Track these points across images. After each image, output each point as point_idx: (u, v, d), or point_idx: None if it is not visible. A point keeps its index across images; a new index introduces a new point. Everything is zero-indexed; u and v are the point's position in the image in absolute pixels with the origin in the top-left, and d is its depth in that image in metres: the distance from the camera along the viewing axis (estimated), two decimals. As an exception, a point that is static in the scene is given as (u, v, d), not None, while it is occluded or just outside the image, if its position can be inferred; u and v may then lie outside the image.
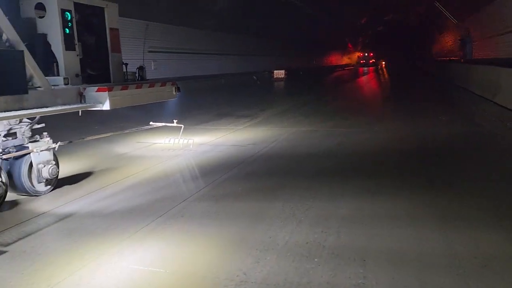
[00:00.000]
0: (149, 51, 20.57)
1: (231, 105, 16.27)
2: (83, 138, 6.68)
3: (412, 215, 4.36)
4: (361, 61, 75.56)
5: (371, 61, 75.83)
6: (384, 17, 56.95)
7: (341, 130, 9.86)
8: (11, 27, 4.52)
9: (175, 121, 8.16)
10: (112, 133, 7.81)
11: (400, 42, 66.18)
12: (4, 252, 3.83)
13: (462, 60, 28.64)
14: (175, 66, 23.47)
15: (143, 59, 16.51)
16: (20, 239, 4.12)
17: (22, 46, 4.62)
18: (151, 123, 8.21)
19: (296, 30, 41.56)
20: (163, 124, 8.22)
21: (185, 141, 8.09)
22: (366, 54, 77.16)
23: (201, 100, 17.90)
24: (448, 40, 40.52)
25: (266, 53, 39.25)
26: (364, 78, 38.80)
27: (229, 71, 31.40)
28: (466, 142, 8.26)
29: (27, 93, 4.66)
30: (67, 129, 9.57)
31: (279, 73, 37.34)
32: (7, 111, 4.47)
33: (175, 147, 8.09)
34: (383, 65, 71.76)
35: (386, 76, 42.47)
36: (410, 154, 7.26)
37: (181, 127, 8.10)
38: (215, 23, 27.63)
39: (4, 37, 4.51)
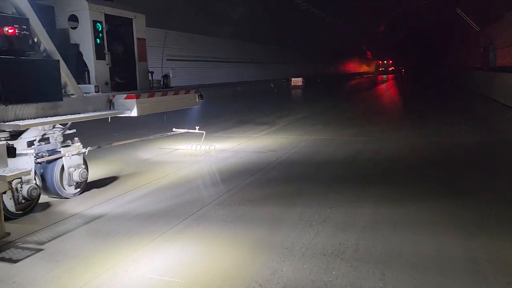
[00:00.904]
0: (168, 59, 20.99)
1: (249, 112, 16.44)
2: (111, 144, 6.93)
3: (434, 223, 4.38)
4: (380, 69, 75.02)
5: (390, 69, 75.22)
6: (404, 24, 56.50)
7: (360, 139, 9.88)
8: (48, 38, 4.81)
9: (197, 127, 8.36)
10: (137, 139, 8.07)
11: (420, 49, 65.37)
12: (41, 250, 4.04)
13: (485, 68, 28.13)
14: (193, 74, 23.82)
15: (162, 67, 16.92)
16: (54, 238, 4.34)
17: (57, 56, 4.89)
18: (174, 129, 8.44)
19: (314, 38, 41.67)
20: (186, 130, 8.44)
21: (207, 147, 8.27)
22: (385, 62, 76.57)
23: (219, 108, 18.13)
24: (470, 48, 39.87)
25: (283, 61, 39.43)
26: (383, 86, 38.50)
27: (247, 79, 31.66)
28: (489, 151, 8.15)
29: (61, 100, 4.92)
30: (85, 135, 9.90)
31: (297, 81, 37.44)
32: (44, 117, 4.72)
33: (197, 153, 8.28)
34: (403, 72, 71.03)
35: (405, 84, 42.01)
36: (430, 163, 7.24)
37: (203, 133, 8.29)
38: (232, 31, 28.01)
39: (42, 47, 4.79)
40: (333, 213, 4.78)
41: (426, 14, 47.06)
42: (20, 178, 4.57)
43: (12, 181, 4.40)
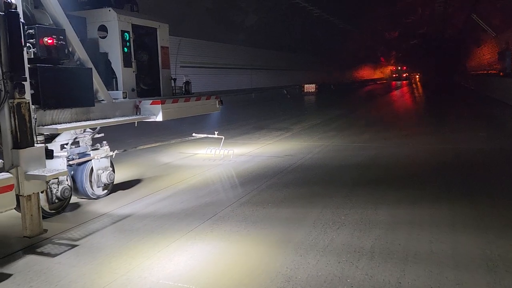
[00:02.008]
0: (181, 66, 21.32)
1: (264, 119, 16.66)
2: (135, 147, 7.23)
3: (452, 225, 4.49)
4: (394, 75, 74.53)
5: (404, 75, 74.65)
6: (418, 30, 56.22)
7: (375, 145, 9.97)
8: (82, 48, 5.12)
9: (216, 132, 8.62)
10: (160, 143, 8.37)
11: (435, 55, 64.81)
12: (76, 245, 4.30)
13: (501, 74, 27.84)
14: (206, 81, 24.11)
15: (175, 74, 17.23)
16: (86, 236, 4.60)
17: (90, 64, 5.20)
18: (193, 134, 8.71)
19: (327, 44, 41.82)
20: (205, 135, 8.70)
21: (226, 151, 8.50)
22: (399, 67, 76.07)
23: (234, 114, 18.39)
24: (486, 53, 39.44)
25: (296, 67, 39.62)
26: (397, 92, 38.31)
27: (260, 86, 31.89)
28: (507, 157, 8.14)
29: (93, 105, 5.22)
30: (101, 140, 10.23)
31: (310, 87, 37.56)
32: (77, 122, 5.02)
33: (216, 157, 8.52)
34: (417, 79, 70.42)
35: (420, 90, 41.72)
36: (446, 168, 7.29)
37: (222, 138, 8.54)
38: (246, 38, 28.34)
39: (76, 56, 5.10)
40: (352, 214, 4.94)
41: (441, 20, 46.80)
42: (57, 178, 4.86)
43: (49, 181, 4.68)
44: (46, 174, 4.16)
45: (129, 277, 3.58)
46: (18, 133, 4.17)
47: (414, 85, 52.12)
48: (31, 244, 4.32)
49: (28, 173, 4.20)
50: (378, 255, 3.81)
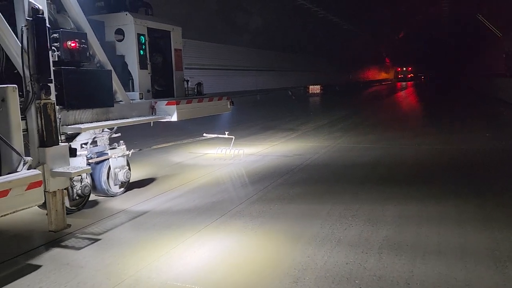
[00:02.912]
0: (186, 68, 21.49)
1: (270, 120, 16.85)
2: (151, 147, 7.45)
3: (458, 220, 4.65)
4: (399, 76, 74.45)
5: (409, 76, 74.54)
6: (423, 31, 56.21)
7: (381, 145, 10.10)
8: (102, 51, 5.34)
9: (226, 133, 8.82)
10: (173, 143, 8.59)
11: (440, 56, 64.74)
12: (98, 239, 4.51)
13: (507, 74, 27.82)
14: (211, 83, 24.18)
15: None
16: (107, 230, 4.81)
17: (109, 66, 5.42)
18: (204, 134, 8.92)
19: (332, 45, 41.96)
20: (216, 135, 8.90)
21: (236, 151, 8.70)
22: (404, 68, 75.97)
23: (241, 115, 18.56)
24: (492, 54, 39.39)
25: (301, 69, 39.75)
26: (402, 93, 38.37)
27: (264, 87, 32.01)
28: (509, 157, 8.23)
29: (113, 106, 5.44)
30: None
31: (315, 88, 37.67)
32: (97, 121, 5.24)
33: (226, 156, 8.72)
34: (422, 79, 70.31)
35: (425, 91, 41.74)
36: (452, 167, 7.40)
37: (232, 138, 8.74)
38: (251, 39, 28.51)
39: (96, 59, 5.33)
40: (361, 210, 5.12)
41: (446, 20, 46.79)
42: (80, 176, 5.08)
43: (72, 178, 4.90)
44: (71, 171, 4.38)
45: (152, 269, 3.78)
46: (44, 132, 4.39)
47: (419, 86, 52.09)
48: (57, 238, 4.53)
49: (54, 170, 4.41)
50: (386, 254, 3.98)
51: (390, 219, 4.78)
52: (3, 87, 3.90)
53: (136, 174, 7.46)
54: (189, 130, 12.07)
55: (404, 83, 62.57)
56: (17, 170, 3.99)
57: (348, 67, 53.45)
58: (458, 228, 4.42)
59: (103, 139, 5.94)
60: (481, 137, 10.53)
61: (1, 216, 3.68)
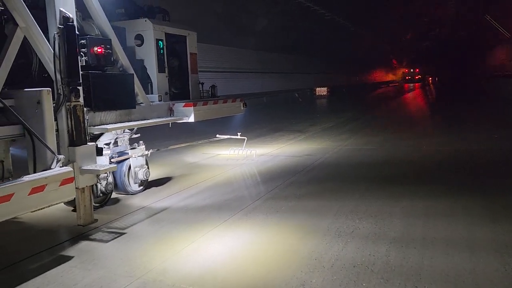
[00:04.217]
0: (191, 70, 21.70)
1: (278, 122, 17.09)
2: (167, 148, 7.75)
3: (465, 214, 4.86)
4: (406, 77, 74.29)
5: (416, 77, 74.33)
6: (431, 32, 56.10)
7: (390, 146, 10.25)
8: (124, 55, 5.65)
9: (239, 133, 9.09)
10: (188, 144, 8.86)
11: (448, 57, 64.50)
12: (124, 233, 4.79)
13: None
14: (218, 85, 24.40)
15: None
16: (131, 225, 5.09)
17: (132, 70, 5.72)
18: (217, 135, 9.20)
19: (339, 47, 42.10)
20: (228, 136, 9.18)
21: (248, 151, 8.96)
22: (412, 70, 75.79)
23: (248, 118, 18.76)
24: (501, 54, 39.26)
25: (307, 71, 39.94)
26: (409, 95, 38.40)
27: (271, 89, 32.18)
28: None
29: (135, 108, 5.74)
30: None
31: (321, 90, 37.88)
32: (120, 122, 5.54)
33: (238, 157, 8.98)
34: (430, 81, 70.08)
35: (433, 92, 41.71)
36: (460, 166, 7.58)
37: (245, 139, 9.00)
38: (256, 42, 28.72)
39: (119, 63, 5.63)
40: (373, 205, 5.36)
41: (454, 22, 46.70)
42: (106, 173, 5.37)
43: (99, 175, 5.19)
44: (99, 169, 4.67)
45: (178, 259, 4.05)
46: (74, 132, 4.69)
47: (427, 88, 51.99)
48: (85, 231, 4.83)
49: (83, 168, 4.70)
50: (401, 234, 4.21)
51: (397, 217, 5.00)
52: (39, 90, 4.21)
53: (153, 174, 7.73)
54: (198, 132, 12.31)
55: (411, 85, 62.44)
56: (51, 167, 4.29)
57: (355, 69, 53.55)
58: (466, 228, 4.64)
59: (124, 140, 6.24)
60: (489, 138, 10.55)
61: (39, 209, 3.98)
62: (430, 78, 72.19)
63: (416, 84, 64.86)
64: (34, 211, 3.97)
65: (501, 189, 5.89)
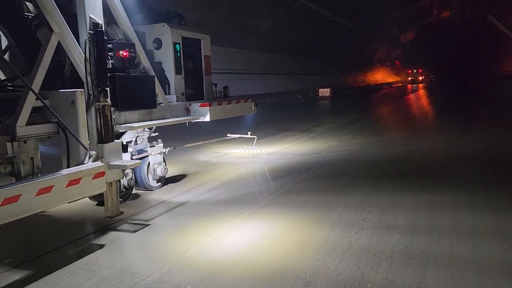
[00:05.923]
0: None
1: (283, 122, 17.37)
2: (183, 146, 8.11)
3: (469, 206, 5.17)
4: (410, 78, 74.48)
5: (420, 78, 74.50)
6: (434, 33, 56.35)
7: (395, 145, 10.56)
8: (146, 58, 6.00)
9: (249, 132, 9.43)
10: (202, 142, 9.21)
11: (452, 57, 64.66)
12: (148, 225, 5.14)
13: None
14: (220, 86, 24.68)
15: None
16: (154, 218, 5.43)
17: (153, 72, 6.07)
18: (228, 134, 9.54)
19: (342, 48, 42.39)
20: (239, 135, 9.53)
21: (258, 150, 9.30)
22: (415, 70, 75.97)
23: (254, 118, 19.05)
24: (506, 55, 39.44)
25: (311, 72, 40.22)
26: (413, 96, 38.58)
27: (274, 90, 32.48)
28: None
29: (155, 107, 6.09)
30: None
31: (324, 91, 38.07)
32: (142, 121, 5.89)
33: (249, 155, 9.32)
34: (433, 81, 70.21)
35: (437, 93, 41.85)
36: (464, 165, 7.87)
37: (255, 138, 9.34)
38: (260, 43, 29.02)
39: (141, 66, 5.98)
40: (380, 199, 5.69)
41: (457, 22, 46.90)
42: (131, 169, 5.72)
43: (125, 170, 5.54)
44: (127, 164, 5.02)
45: (200, 248, 4.39)
46: (103, 130, 5.04)
47: (430, 88, 52.11)
48: (113, 223, 5.18)
49: (111, 163, 5.05)
50: (408, 225, 4.53)
51: (404, 209, 5.33)
52: (74, 91, 4.57)
53: (169, 171, 8.09)
54: (206, 132, 12.60)
55: (414, 85, 62.62)
56: (84, 162, 4.64)
57: (358, 70, 53.82)
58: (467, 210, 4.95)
59: (144, 138, 6.58)
60: (495, 139, 10.60)
61: (74, 200, 4.33)
62: (434, 79, 72.33)
63: (420, 85, 65.00)
64: (70, 202, 4.32)
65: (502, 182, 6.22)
